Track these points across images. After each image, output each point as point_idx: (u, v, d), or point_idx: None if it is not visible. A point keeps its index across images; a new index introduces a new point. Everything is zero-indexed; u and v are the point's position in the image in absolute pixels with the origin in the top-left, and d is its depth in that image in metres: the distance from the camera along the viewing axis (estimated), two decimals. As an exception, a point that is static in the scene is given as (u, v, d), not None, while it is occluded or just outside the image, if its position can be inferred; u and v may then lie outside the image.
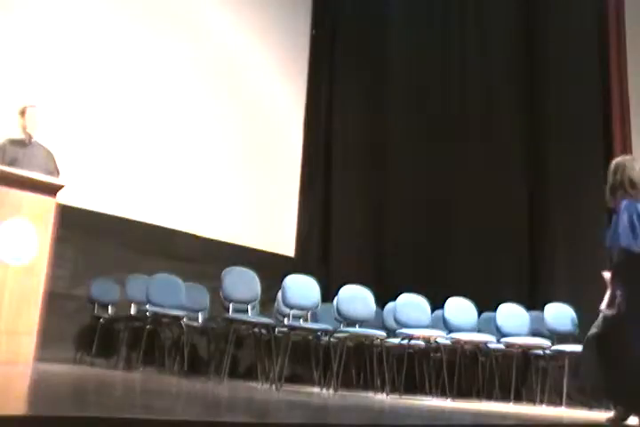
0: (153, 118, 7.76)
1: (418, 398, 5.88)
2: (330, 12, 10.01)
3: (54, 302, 5.19)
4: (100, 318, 6.65)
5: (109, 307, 6.79)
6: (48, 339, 4.76)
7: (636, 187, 4.07)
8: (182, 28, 8.19)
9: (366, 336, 6.08)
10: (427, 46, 9.23)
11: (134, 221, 7.32)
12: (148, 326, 6.20)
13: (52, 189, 4.50)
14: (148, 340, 6.15)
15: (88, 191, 6.88)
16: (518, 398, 6.16)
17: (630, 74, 7.39)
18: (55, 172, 5.19)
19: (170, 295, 6.30)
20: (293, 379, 6.78)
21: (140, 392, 3.43)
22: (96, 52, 7.32)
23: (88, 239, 6.79)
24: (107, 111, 7.33)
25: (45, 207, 4.43)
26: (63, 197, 4.74)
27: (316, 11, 9.90)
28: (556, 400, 5.82)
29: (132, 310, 6.61)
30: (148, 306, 6.13)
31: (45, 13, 6.98)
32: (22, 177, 4.37)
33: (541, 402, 5.94)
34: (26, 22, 6.81)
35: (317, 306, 6.19)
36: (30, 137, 5.24)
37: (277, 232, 8.91)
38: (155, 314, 6.06)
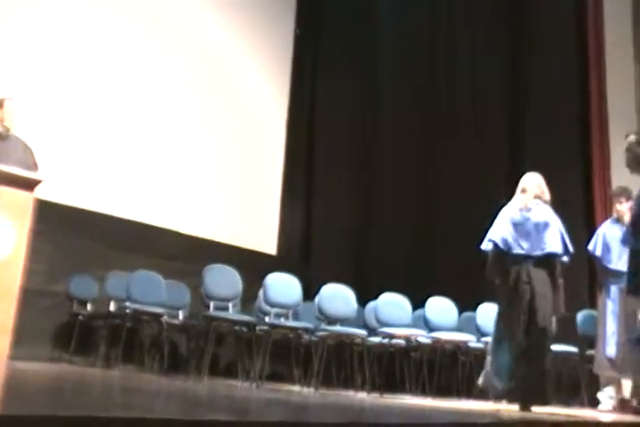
0: (134, 114, 7.69)
1: (398, 396, 5.88)
2: (314, 12, 9.98)
3: (31, 298, 5.13)
4: (78, 315, 6.58)
5: (88, 304, 6.72)
6: (24, 336, 4.68)
7: (524, 191, 4.75)
8: (165, 25, 8.13)
9: (347, 335, 6.07)
10: (412, 46, 9.23)
11: (114, 218, 7.25)
12: (127, 324, 6.15)
13: (30, 184, 4.42)
14: (127, 337, 6.10)
15: (67, 186, 6.81)
16: (498, 397, 6.16)
17: (608, 67, 7.44)
18: (33, 166, 5.11)
19: (150, 292, 6.25)
20: (274, 377, 6.76)
21: (119, 391, 3.39)
22: (76, 46, 7.25)
23: (67, 235, 6.71)
24: (87, 105, 7.25)
25: (23, 202, 4.36)
26: (42, 192, 4.68)
27: (300, 10, 9.87)
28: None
29: (112, 307, 6.54)
30: (127, 303, 6.07)
31: (23, 6, 6.89)
32: (-1, 171, 4.30)
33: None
34: (4, 14, 6.72)
35: (299, 304, 6.19)
36: (8, 130, 5.16)
37: (259, 230, 8.88)
38: (134, 311, 6.00)
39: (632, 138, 4.17)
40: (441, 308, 6.47)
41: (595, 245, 5.58)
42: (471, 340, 6.17)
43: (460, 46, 8.94)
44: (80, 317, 6.57)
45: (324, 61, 9.80)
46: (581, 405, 5.80)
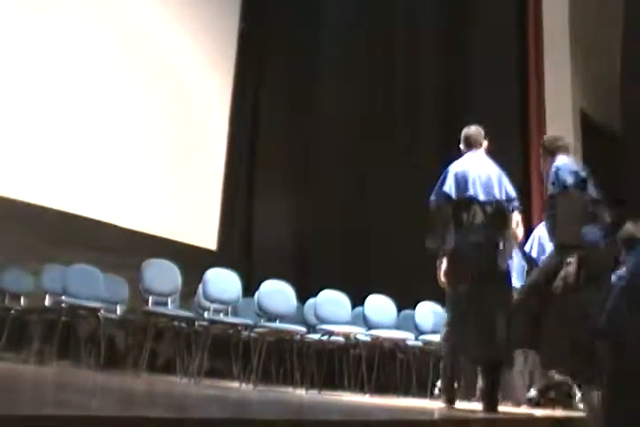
0: (73, 105, 7.55)
1: (337, 393, 5.92)
2: (260, 6, 9.94)
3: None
4: (10, 309, 6.39)
5: (22, 298, 6.54)
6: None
7: None
8: (109, 17, 8.01)
9: (287, 332, 6.07)
10: (358, 46, 9.26)
11: (51, 209, 7.09)
12: (63, 318, 6.00)
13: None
14: (62, 333, 5.95)
15: (2, 177, 6.62)
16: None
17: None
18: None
19: (87, 287, 6.10)
20: (213, 373, 6.70)
21: (52, 387, 3.31)
22: (12, 38, 7.08)
23: (0, 227, 6.52)
24: (24, 93, 7.09)
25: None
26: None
27: (245, 4, 9.82)
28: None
29: (47, 302, 6.38)
30: (63, 297, 5.93)
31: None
32: None
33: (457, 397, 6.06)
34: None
35: (238, 300, 6.17)
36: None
37: (199, 225, 8.81)
38: (71, 306, 5.86)
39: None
40: (380, 306, 6.52)
41: (530, 247, 5.71)
42: (409, 338, 6.24)
43: (403, 47, 9.00)
44: (12, 311, 6.38)
45: (268, 55, 9.79)
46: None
